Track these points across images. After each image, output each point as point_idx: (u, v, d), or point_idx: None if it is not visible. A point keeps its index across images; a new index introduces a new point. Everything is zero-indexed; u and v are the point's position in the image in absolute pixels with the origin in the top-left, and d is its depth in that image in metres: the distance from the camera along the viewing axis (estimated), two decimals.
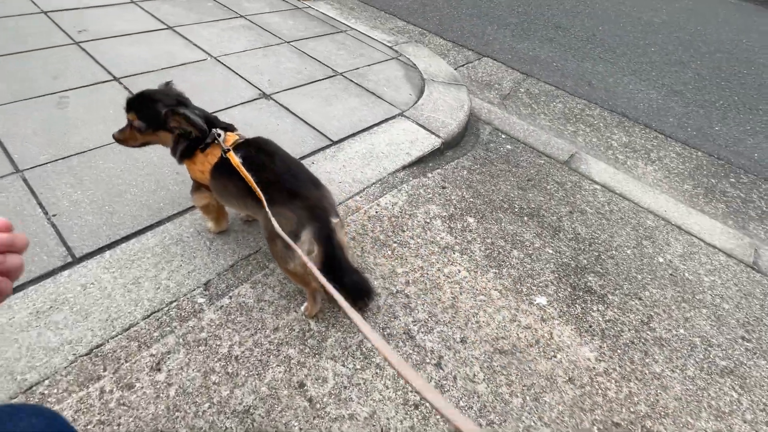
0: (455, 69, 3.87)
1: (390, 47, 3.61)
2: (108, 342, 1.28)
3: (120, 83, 2.46)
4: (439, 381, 1.36)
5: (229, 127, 1.50)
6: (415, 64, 3.40)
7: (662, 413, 1.40)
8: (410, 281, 1.67)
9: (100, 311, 1.35)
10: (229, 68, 2.81)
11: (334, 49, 3.37)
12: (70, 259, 1.48)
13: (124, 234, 1.61)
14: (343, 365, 1.36)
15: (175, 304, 1.42)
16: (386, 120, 2.62)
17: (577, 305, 1.73)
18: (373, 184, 2.13)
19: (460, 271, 1.76)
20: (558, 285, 1.80)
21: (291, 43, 3.31)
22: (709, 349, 1.68)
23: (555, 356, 1.51)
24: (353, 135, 2.43)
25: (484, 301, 1.65)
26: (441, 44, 4.49)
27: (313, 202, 1.27)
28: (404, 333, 1.48)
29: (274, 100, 2.59)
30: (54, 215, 1.63)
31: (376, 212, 1.97)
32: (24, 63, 2.48)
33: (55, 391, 1.16)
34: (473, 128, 3.02)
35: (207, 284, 1.50)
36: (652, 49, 5.46)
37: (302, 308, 1.48)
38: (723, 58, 5.53)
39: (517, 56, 4.55)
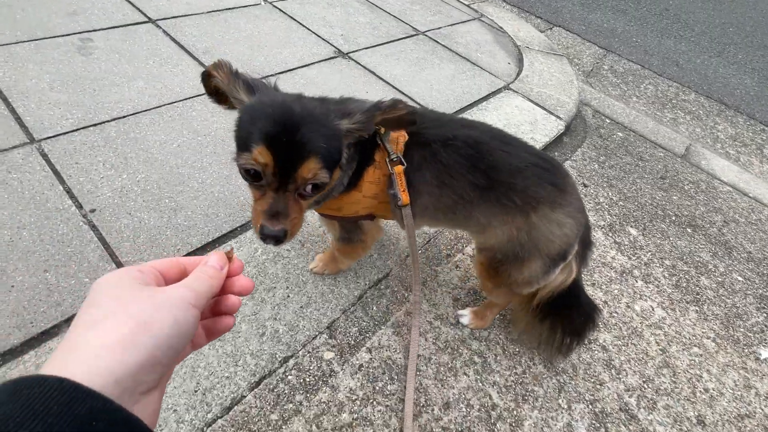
0: (542, 34, 3.28)
1: (467, 5, 3.01)
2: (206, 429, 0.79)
3: (158, 27, 1.87)
4: None
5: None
6: (501, 28, 2.82)
7: None
8: (600, 323, 1.20)
9: (183, 376, 0.86)
10: (291, 17, 2.21)
11: (407, 3, 2.76)
12: None
13: (197, 244, 1.10)
14: None
15: (293, 362, 0.93)
16: (493, 93, 2.08)
17: None
18: None
19: (654, 309, 1.29)
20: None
21: None
22: None
23: None
24: (461, 111, 1.89)
25: (701, 355, 1.19)
26: (506, 8, 3.88)
27: (577, 203, 0.85)
28: (621, 410, 1.02)
29: (354, 60, 2.02)
30: (92, 210, 1.10)
31: None
32: None
33: None
34: (581, 99, 2.50)
35: (331, 328, 1.01)
36: (731, 29, 4.89)
37: (467, 318, 1.02)
38: None
39: (591, 28, 3.96)
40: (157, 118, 1.42)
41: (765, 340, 1.30)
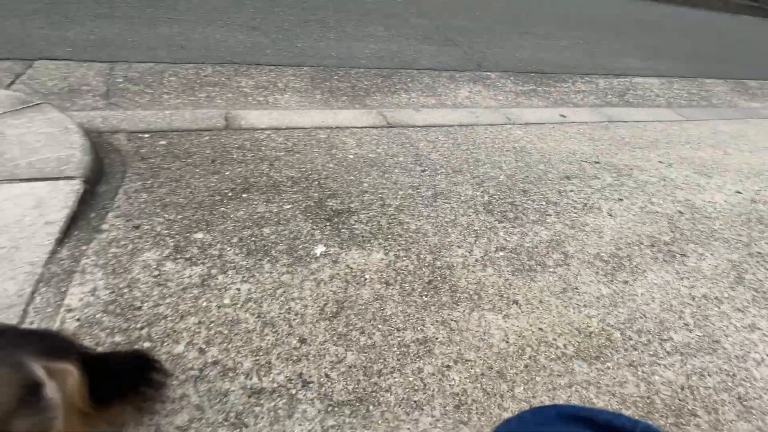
0: (6, 88, 2.73)
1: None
2: None
3: None
4: (319, 393, 1.21)
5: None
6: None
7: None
8: (203, 346, 1.28)
9: None
10: None
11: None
12: None
13: None
14: None
15: None
16: None
17: (343, 230, 1.86)
18: (34, 293, 1.34)
19: (240, 289, 1.49)
20: (318, 227, 1.86)
21: None
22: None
23: (365, 278, 1.62)
24: None
25: (285, 291, 1.51)
26: (6, 67, 3.01)
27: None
28: (250, 396, 1.17)
29: None
30: None
31: (79, 320, 1.29)
32: None
33: None
34: (104, 145, 2.34)
35: None
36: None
37: None
38: None
39: (78, 47, 3.63)
40: None
41: (316, 240, 1.79)
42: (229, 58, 3.97)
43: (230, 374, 1.22)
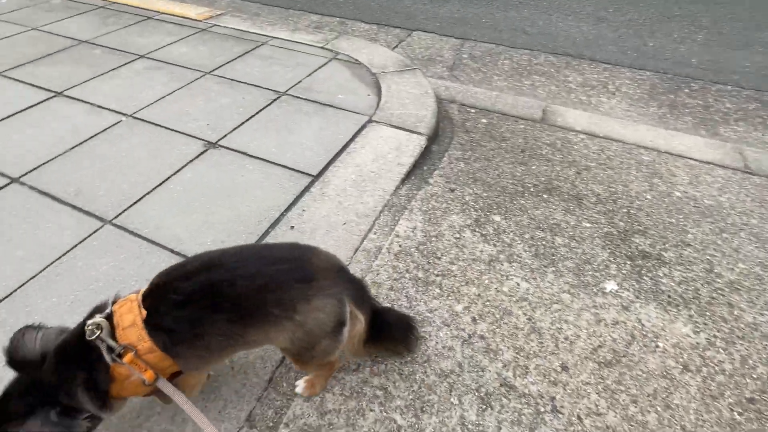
0: (392, 51, 3.58)
1: (321, 47, 3.24)
2: None
3: (22, 184, 1.92)
4: (566, 430, 1.16)
5: (103, 307, 0.97)
6: (357, 60, 3.07)
7: None
8: (476, 317, 1.44)
9: None
10: (155, 124, 2.32)
11: (264, 67, 2.94)
12: None
13: None
14: None
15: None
16: (359, 131, 2.31)
17: (645, 278, 1.60)
18: (381, 212, 1.84)
19: (519, 284, 1.55)
20: (616, 261, 1.66)
21: (213, 73, 2.83)
22: None
23: (657, 346, 1.37)
24: (333, 160, 2.10)
25: (561, 310, 1.46)
26: (366, 29, 4.15)
27: (330, 269, 1.01)
28: (502, 385, 1.25)
29: (224, 147, 2.17)
30: None
31: (400, 246, 1.69)
32: None
33: None
34: (442, 111, 2.79)
35: (250, 419, 1.16)
36: None
37: (301, 387, 1.20)
38: None
39: (444, 22, 4.34)
40: (43, 282, 1.50)
41: (609, 274, 1.61)
42: (564, 50, 3.85)
43: (491, 355, 1.32)
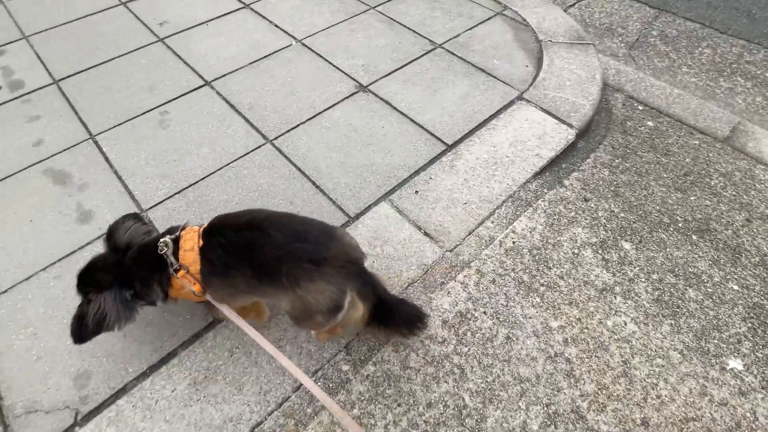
0: (565, 10, 3.13)
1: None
2: (266, 420, 1.26)
3: (212, 88, 2.30)
4: None
5: (175, 229, 1.22)
6: (525, 20, 2.79)
7: None
8: (569, 339, 1.44)
9: (252, 381, 1.33)
10: (318, 54, 2.50)
11: (427, 11, 2.86)
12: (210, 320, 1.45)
13: None
14: None
15: (321, 372, 1.35)
16: (505, 107, 2.21)
17: None
18: (504, 202, 1.82)
19: (626, 324, 1.48)
20: (754, 339, 1.46)
21: (377, 8, 2.86)
22: None
23: None
24: (470, 134, 2.08)
25: (663, 366, 1.38)
26: None
27: (342, 260, 1.13)
28: (573, 411, 1.29)
29: (372, 92, 2.28)
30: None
31: (514, 243, 1.70)
32: (120, 71, 2.40)
33: None
34: (603, 101, 2.47)
35: (348, 348, 1.41)
36: None
37: (313, 333, 1.42)
38: None
39: None
40: (219, 180, 1.87)
41: (739, 350, 1.43)
42: None
43: (571, 380, 1.35)
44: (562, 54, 2.53)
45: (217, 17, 2.78)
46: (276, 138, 2.04)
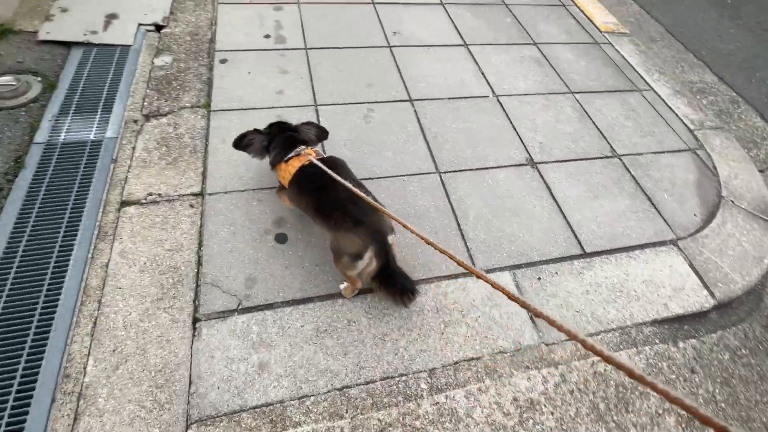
0: (762, 171, 2.95)
1: (690, 131, 2.96)
2: (353, 387, 1.60)
3: (413, 106, 2.71)
4: None
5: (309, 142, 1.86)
6: (715, 169, 2.74)
7: None
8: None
9: (355, 353, 1.67)
10: (507, 115, 2.77)
11: (621, 117, 2.95)
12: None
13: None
14: None
15: (404, 378, 1.65)
16: (654, 245, 2.25)
17: None
18: (612, 330, 1.93)
19: None
20: None
21: (576, 95, 3.03)
22: None
23: None
24: (609, 252, 2.18)
25: None
26: (755, 128, 3.44)
27: (374, 227, 1.57)
28: None
29: (539, 171, 2.49)
30: None
31: (605, 370, 1.80)
32: (352, 59, 2.94)
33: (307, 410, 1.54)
34: (759, 284, 2.36)
35: (432, 372, 1.68)
36: None
37: (342, 287, 1.83)
38: None
39: None
40: (389, 184, 2.26)
41: None
42: None
43: None
44: (739, 221, 2.45)
45: (439, 45, 3.20)
46: (445, 172, 2.37)
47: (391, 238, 1.60)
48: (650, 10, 4.64)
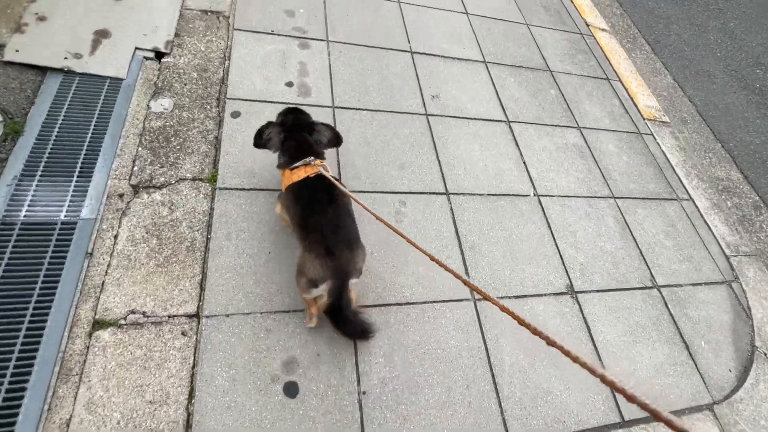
0: None
1: (726, 257, 2.81)
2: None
3: (449, 201, 2.39)
4: None
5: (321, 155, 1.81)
6: (749, 309, 2.60)
7: None
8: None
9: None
10: (548, 222, 2.50)
11: (661, 234, 2.75)
12: None
13: None
14: None
15: None
16: (690, 410, 2.08)
17: None
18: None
19: None
20: None
21: (618, 201, 2.79)
22: None
23: None
24: (646, 421, 1.99)
25: None
26: None
27: (341, 265, 1.53)
28: None
29: (578, 303, 2.25)
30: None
31: None
32: (384, 126, 2.56)
33: None
34: None
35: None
36: None
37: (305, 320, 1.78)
38: None
39: None
40: (421, 316, 1.95)
41: None
42: None
43: None
44: None
45: (479, 119, 2.86)
46: (480, 300, 2.09)
47: (353, 281, 1.58)
48: (684, 84, 4.46)
